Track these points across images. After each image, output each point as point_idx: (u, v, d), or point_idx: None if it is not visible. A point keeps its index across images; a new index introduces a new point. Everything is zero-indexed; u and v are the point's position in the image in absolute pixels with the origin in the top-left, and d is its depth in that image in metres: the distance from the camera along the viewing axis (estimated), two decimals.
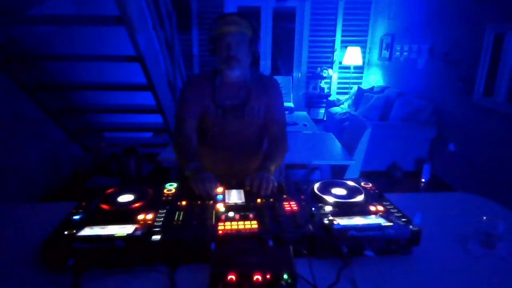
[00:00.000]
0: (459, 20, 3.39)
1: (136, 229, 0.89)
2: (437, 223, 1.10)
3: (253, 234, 0.89)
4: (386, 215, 0.98)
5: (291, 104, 5.66)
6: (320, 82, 5.99)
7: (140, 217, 0.97)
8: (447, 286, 0.84)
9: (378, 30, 5.52)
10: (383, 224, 0.92)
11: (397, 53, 4.79)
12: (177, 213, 0.99)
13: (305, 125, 3.45)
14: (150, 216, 0.97)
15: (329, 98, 5.82)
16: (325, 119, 5.84)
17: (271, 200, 1.09)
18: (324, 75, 5.91)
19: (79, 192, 1.14)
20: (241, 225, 0.92)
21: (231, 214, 0.98)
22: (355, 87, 5.47)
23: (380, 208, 1.03)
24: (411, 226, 0.92)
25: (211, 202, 1.07)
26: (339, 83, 6.09)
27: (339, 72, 6.01)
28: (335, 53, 5.88)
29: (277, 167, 1.38)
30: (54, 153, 3.15)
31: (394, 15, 4.97)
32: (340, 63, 5.89)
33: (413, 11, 4.40)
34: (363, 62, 5.85)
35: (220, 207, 1.03)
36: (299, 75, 6.10)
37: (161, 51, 3.19)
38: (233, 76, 1.39)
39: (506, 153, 2.76)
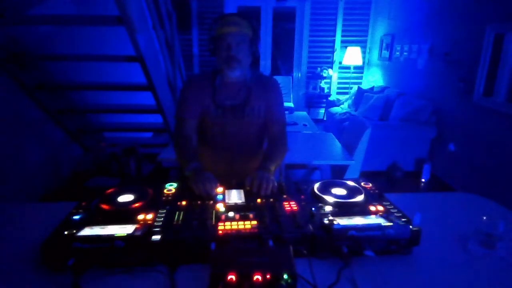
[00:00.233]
0: (459, 20, 3.39)
1: (136, 229, 0.89)
2: (437, 223, 1.10)
3: (253, 234, 0.89)
4: (386, 215, 0.98)
5: (291, 104, 5.65)
6: (320, 82, 5.99)
7: (140, 217, 0.97)
8: (447, 286, 0.84)
9: (378, 30, 5.51)
10: (383, 224, 0.92)
11: (397, 53, 4.79)
12: (177, 213, 0.99)
13: (305, 125, 3.45)
14: (150, 216, 0.97)
15: (329, 98, 5.82)
16: (325, 119, 5.84)
17: (271, 200, 1.09)
18: (324, 75, 5.91)
19: (79, 192, 1.14)
20: (241, 225, 0.92)
21: (231, 214, 0.98)
22: (355, 87, 5.47)
23: (380, 208, 1.03)
24: (411, 226, 0.92)
25: (211, 202, 1.07)
26: (339, 83, 6.09)
27: (339, 72, 6.01)
28: (335, 53, 5.88)
29: (277, 167, 1.38)
30: (54, 153, 3.15)
31: (394, 15, 4.97)
32: (340, 63, 5.89)
33: (413, 11, 4.40)
34: (363, 62, 5.85)
35: (220, 207, 1.03)
36: (299, 75, 6.10)
37: (161, 51, 3.19)
38: (233, 76, 1.39)
39: (506, 153, 2.76)
